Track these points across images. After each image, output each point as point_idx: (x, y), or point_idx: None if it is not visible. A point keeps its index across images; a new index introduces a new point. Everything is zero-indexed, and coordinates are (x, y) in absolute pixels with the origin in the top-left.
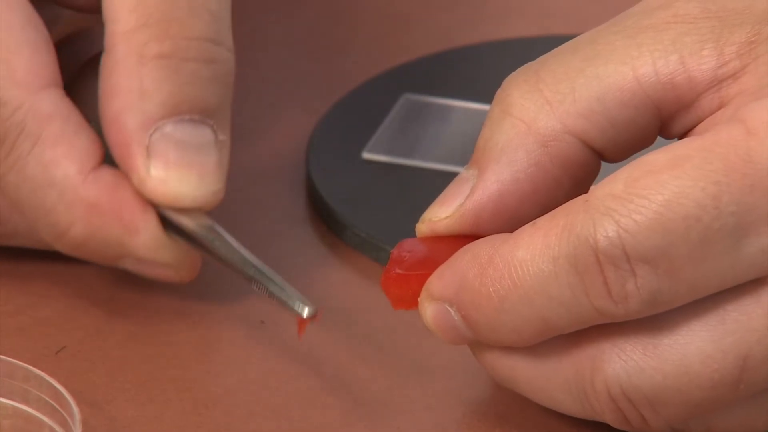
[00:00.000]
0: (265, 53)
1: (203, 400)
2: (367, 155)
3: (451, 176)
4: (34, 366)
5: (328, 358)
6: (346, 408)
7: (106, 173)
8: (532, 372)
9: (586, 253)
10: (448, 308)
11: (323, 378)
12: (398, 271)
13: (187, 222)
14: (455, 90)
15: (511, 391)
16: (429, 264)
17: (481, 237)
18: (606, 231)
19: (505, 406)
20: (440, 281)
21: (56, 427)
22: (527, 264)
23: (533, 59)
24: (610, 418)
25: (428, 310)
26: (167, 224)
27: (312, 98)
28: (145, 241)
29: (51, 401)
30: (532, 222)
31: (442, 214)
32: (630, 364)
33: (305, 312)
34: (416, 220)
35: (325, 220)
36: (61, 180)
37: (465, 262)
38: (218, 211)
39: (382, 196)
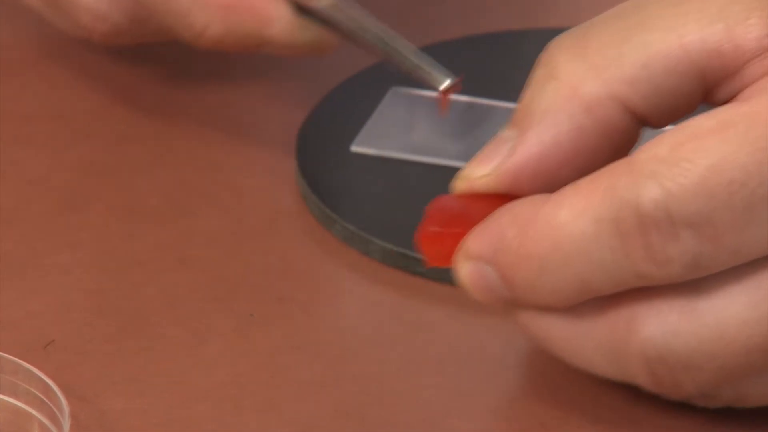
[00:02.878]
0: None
1: (193, 394)
2: (355, 148)
3: (440, 169)
4: (22, 359)
5: (318, 352)
6: (337, 402)
7: None
8: (568, 333)
9: (629, 216)
10: (485, 267)
11: (313, 372)
12: (433, 228)
13: (317, 3)
14: None
15: (505, 383)
16: (465, 222)
17: (518, 197)
18: (650, 193)
19: (498, 398)
20: (478, 240)
21: (45, 420)
22: (569, 225)
23: (520, 52)
24: (643, 381)
25: (464, 268)
26: (299, 10)
27: (301, 91)
28: (280, 29)
29: (40, 395)
30: (573, 183)
31: (480, 172)
32: (666, 327)
33: (445, 83)
34: (406, 214)
35: (314, 213)
36: None
37: (505, 221)
38: (207, 203)
39: (370, 190)
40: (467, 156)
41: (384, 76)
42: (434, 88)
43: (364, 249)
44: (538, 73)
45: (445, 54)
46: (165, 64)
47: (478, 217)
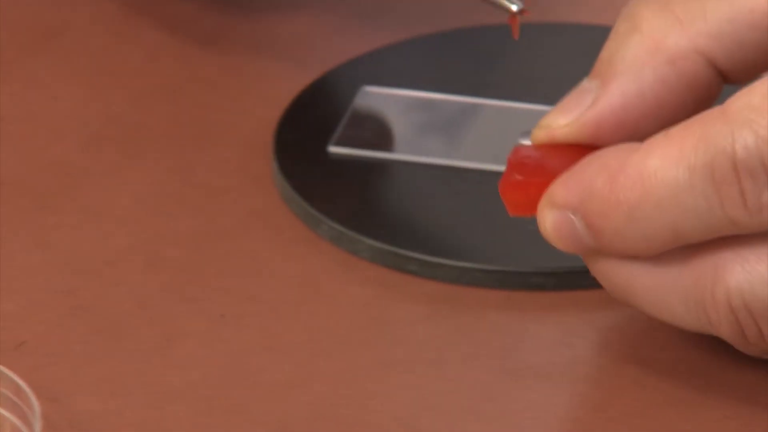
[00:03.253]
0: (226, 46)
1: (165, 395)
2: (333, 149)
3: (419, 167)
4: None
5: (290, 352)
6: (309, 402)
7: None
8: (650, 281)
9: (723, 163)
10: (571, 216)
11: (286, 372)
12: (518, 177)
13: None
14: (413, 81)
15: (479, 382)
16: (549, 172)
17: (599, 148)
18: (745, 141)
19: (471, 397)
20: (564, 189)
21: (16, 421)
22: (661, 172)
23: (491, 49)
24: (726, 331)
25: (549, 217)
26: None
27: (270, 91)
28: None
29: (11, 396)
30: (663, 132)
31: (561, 121)
32: (753, 275)
33: (514, 6)
34: (388, 212)
35: (298, 213)
36: None
37: (593, 170)
38: (179, 203)
39: (352, 189)
40: (446, 153)
41: (354, 75)
42: (507, 10)
43: (352, 248)
44: (621, 26)
45: (413, 51)
46: (137, 65)
47: (560, 168)
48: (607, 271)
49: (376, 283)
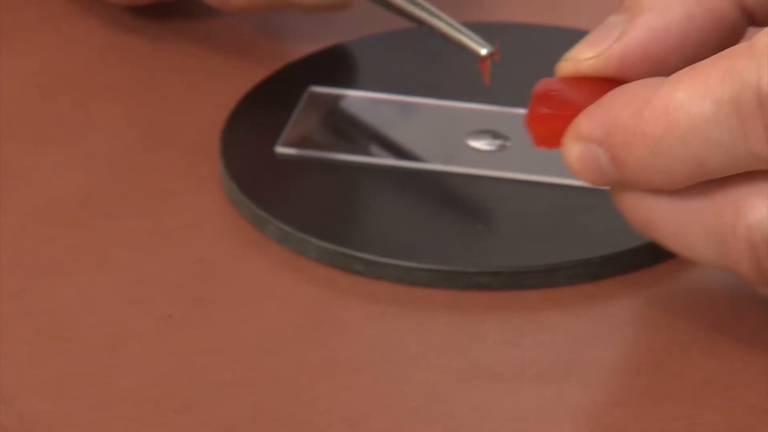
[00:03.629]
0: (172, 48)
1: (112, 396)
2: (279, 150)
3: (366, 167)
4: None
5: (238, 352)
6: (256, 403)
7: None
8: (672, 215)
9: (749, 97)
10: (596, 148)
11: (233, 373)
12: (545, 110)
13: None
14: (360, 81)
15: (425, 383)
16: (575, 105)
17: (624, 82)
18: None
19: (418, 398)
20: (590, 121)
21: None
22: (687, 106)
23: (436, 49)
24: (745, 268)
25: (574, 150)
26: None
27: (217, 93)
28: None
29: None
30: (690, 66)
31: (588, 53)
32: None
33: (484, 49)
34: (335, 212)
35: (245, 214)
36: None
37: (619, 102)
38: (127, 205)
39: (300, 190)
40: (392, 153)
41: (300, 76)
42: (475, 53)
43: (300, 249)
44: None
45: (358, 51)
46: (83, 66)
47: (585, 101)
48: (631, 204)
49: (323, 283)
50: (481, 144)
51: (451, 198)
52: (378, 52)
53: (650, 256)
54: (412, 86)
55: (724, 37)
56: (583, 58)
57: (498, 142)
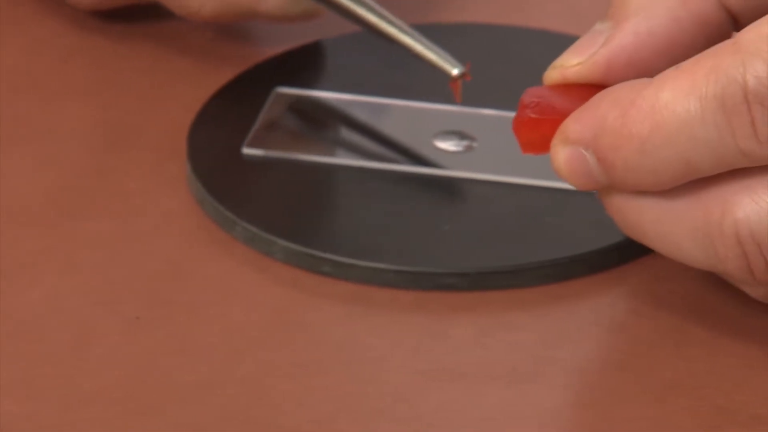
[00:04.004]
0: (139, 49)
1: (79, 397)
2: (246, 151)
3: (333, 168)
4: None
5: (204, 354)
6: (223, 404)
7: None
8: (661, 215)
9: (734, 93)
10: (584, 152)
11: (199, 374)
12: (531, 115)
13: None
14: (326, 82)
15: (392, 384)
16: (561, 110)
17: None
18: (756, 71)
19: (384, 399)
20: (577, 124)
21: None
22: (673, 104)
23: (402, 50)
24: (733, 266)
25: (562, 153)
26: None
27: (184, 94)
28: (273, 4)
29: None
30: (675, 66)
31: (574, 60)
32: (762, 205)
33: (455, 70)
34: (302, 213)
35: (212, 215)
36: None
37: (605, 104)
38: (93, 206)
39: (267, 191)
40: (359, 154)
41: (267, 77)
42: (447, 74)
43: (267, 250)
44: None
45: (324, 52)
46: (49, 67)
47: (572, 106)
48: (620, 206)
49: (290, 284)
50: (448, 145)
51: (418, 199)
52: (345, 53)
53: (617, 256)
54: (379, 87)
55: (710, 39)
56: (570, 65)
57: (465, 142)
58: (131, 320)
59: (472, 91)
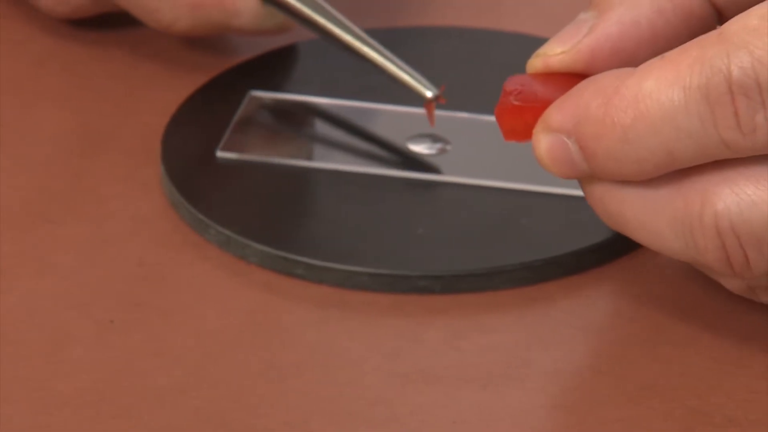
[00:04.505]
0: (112, 53)
1: (53, 401)
2: (220, 154)
3: (307, 171)
4: None
5: (178, 357)
6: (197, 407)
7: None
8: (641, 205)
9: (718, 83)
10: (566, 140)
11: (174, 377)
12: (514, 102)
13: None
14: (300, 85)
15: (366, 387)
16: (544, 98)
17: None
18: (741, 62)
19: (358, 401)
20: (559, 112)
21: None
22: (656, 94)
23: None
24: (711, 258)
25: (543, 141)
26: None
27: (158, 97)
28: (246, 20)
29: None
30: (660, 56)
31: (558, 49)
32: (742, 197)
33: (429, 92)
34: (276, 216)
35: (186, 219)
36: None
37: (588, 93)
38: (67, 210)
39: (241, 194)
40: (332, 157)
41: (240, 81)
42: (421, 96)
43: (241, 253)
44: None
45: (298, 56)
46: (24, 71)
47: (555, 95)
48: (601, 196)
49: (265, 287)
50: (422, 148)
51: (393, 202)
52: (319, 57)
53: (591, 259)
54: (353, 90)
55: (694, 32)
56: (553, 53)
57: (438, 145)
58: (106, 323)
59: (445, 94)
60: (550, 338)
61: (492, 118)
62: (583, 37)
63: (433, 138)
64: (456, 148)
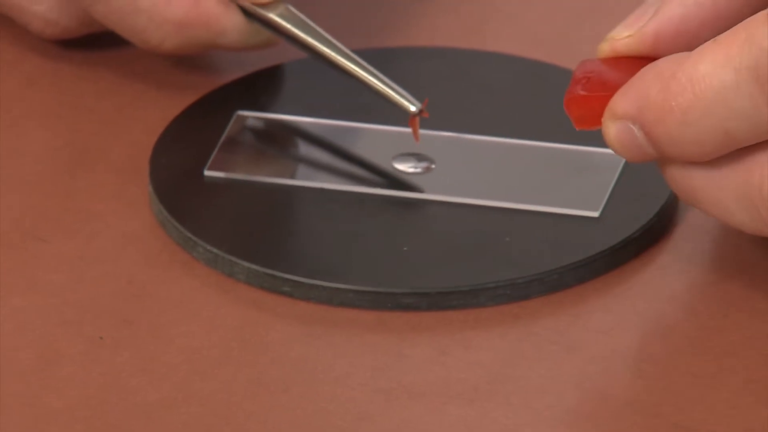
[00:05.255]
0: (101, 72)
1: (43, 417)
2: (208, 173)
3: (294, 189)
4: None
5: (166, 373)
6: (185, 423)
7: None
8: (709, 183)
9: (766, 63)
10: (632, 126)
11: (162, 393)
12: (581, 92)
13: (269, 15)
14: (286, 105)
15: (352, 402)
16: (611, 85)
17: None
18: None
19: (344, 417)
20: (624, 99)
21: None
22: (709, 76)
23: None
24: None
25: (612, 129)
26: (252, 16)
27: (147, 117)
28: (233, 38)
29: None
30: (713, 39)
31: (624, 32)
32: None
33: (413, 107)
34: (263, 234)
35: (174, 237)
36: (147, 7)
37: (648, 79)
38: (56, 227)
39: (228, 212)
40: (319, 176)
41: (228, 100)
42: (405, 111)
43: (229, 271)
44: None
45: (285, 76)
46: (13, 90)
47: (623, 80)
48: (673, 177)
49: (252, 304)
50: (406, 166)
51: (378, 220)
52: (305, 77)
53: (574, 276)
54: (338, 110)
55: (756, 10)
56: (620, 37)
57: (423, 164)
58: (95, 340)
59: (430, 113)
60: (534, 355)
61: (476, 137)
62: (648, 20)
63: (418, 157)
64: (441, 166)
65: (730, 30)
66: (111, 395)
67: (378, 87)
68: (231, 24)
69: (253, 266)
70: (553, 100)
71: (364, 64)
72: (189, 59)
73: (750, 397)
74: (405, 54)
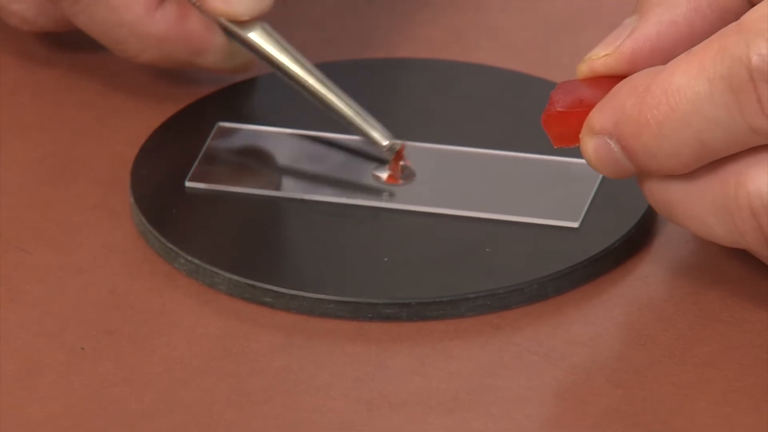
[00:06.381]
0: (83, 84)
1: (25, 427)
2: (189, 184)
3: (275, 201)
4: None
5: (148, 383)
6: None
7: (171, 7)
8: (686, 196)
9: (739, 72)
10: (609, 141)
11: (143, 403)
12: (558, 108)
13: (248, 35)
14: (267, 117)
15: (332, 412)
16: (588, 102)
17: None
18: (759, 50)
19: (322, 427)
20: (600, 115)
21: None
22: (683, 88)
23: (341, 85)
24: (750, 238)
25: (590, 144)
26: (230, 34)
27: (128, 128)
28: (212, 59)
29: None
30: (687, 51)
31: (602, 52)
32: None
33: (385, 141)
34: (244, 245)
35: (155, 248)
36: (130, 21)
37: (623, 93)
38: (37, 238)
39: (209, 223)
40: (299, 187)
41: (208, 112)
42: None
43: (210, 281)
44: None
45: (265, 87)
46: None
47: (600, 97)
48: (650, 190)
49: (233, 314)
50: (387, 177)
51: (358, 230)
52: (285, 89)
53: (554, 287)
54: (319, 121)
55: None
56: (597, 57)
57: (404, 175)
58: (76, 350)
59: (410, 124)
60: (514, 365)
61: (457, 148)
62: (624, 39)
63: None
64: (421, 177)
65: (703, 42)
66: (93, 405)
67: (353, 118)
68: (212, 45)
69: (234, 277)
70: (533, 111)
71: (339, 92)
72: (171, 71)
73: (729, 406)
74: (386, 65)
